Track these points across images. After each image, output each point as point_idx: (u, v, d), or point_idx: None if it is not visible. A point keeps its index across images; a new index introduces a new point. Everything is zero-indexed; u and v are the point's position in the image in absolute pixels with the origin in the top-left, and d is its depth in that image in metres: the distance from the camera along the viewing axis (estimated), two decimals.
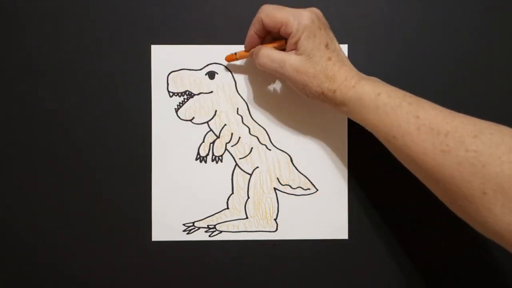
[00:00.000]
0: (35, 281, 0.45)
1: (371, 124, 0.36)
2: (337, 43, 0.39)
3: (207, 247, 0.45)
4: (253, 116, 0.45)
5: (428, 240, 0.45)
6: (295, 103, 0.45)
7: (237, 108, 0.45)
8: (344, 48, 0.45)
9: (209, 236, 0.45)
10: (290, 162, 0.45)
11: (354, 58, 0.45)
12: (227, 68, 0.45)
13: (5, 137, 0.45)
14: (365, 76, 0.38)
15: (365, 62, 0.45)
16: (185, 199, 0.45)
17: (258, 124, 0.45)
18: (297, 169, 0.45)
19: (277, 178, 0.45)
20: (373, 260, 0.45)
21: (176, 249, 0.45)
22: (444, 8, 0.45)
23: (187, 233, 0.45)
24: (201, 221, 0.45)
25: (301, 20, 0.37)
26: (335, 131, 0.45)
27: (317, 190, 0.45)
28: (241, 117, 0.45)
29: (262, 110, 0.45)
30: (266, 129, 0.45)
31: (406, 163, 0.35)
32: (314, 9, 0.38)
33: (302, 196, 0.45)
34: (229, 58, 0.44)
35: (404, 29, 0.45)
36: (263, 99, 0.45)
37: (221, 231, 0.45)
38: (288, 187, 0.45)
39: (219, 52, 0.45)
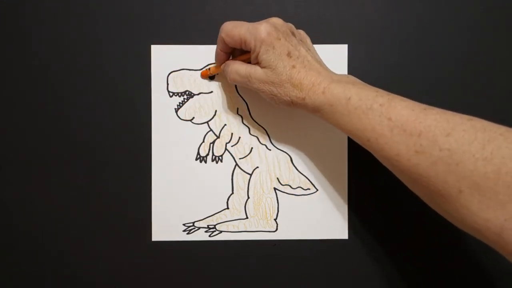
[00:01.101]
0: (35, 281, 0.45)
1: (345, 128, 0.36)
2: (302, 48, 0.38)
3: (207, 247, 0.45)
4: (253, 116, 0.45)
5: (428, 240, 0.45)
6: None
7: (237, 108, 0.45)
8: (344, 48, 0.45)
9: (209, 236, 0.45)
10: (290, 162, 0.45)
11: (354, 58, 0.45)
12: None
13: (5, 137, 0.45)
14: (335, 77, 0.37)
15: (365, 62, 0.45)
16: (185, 199, 0.45)
17: (258, 124, 0.45)
18: (297, 169, 0.45)
19: (277, 178, 0.45)
20: (373, 260, 0.45)
21: (176, 249, 0.45)
22: (443, 8, 0.45)
23: (187, 233, 0.45)
24: (201, 221, 0.45)
25: (257, 35, 0.37)
26: (335, 131, 0.45)
27: (317, 190, 0.45)
28: (241, 117, 0.45)
29: (262, 110, 0.45)
30: (266, 129, 0.45)
31: (384, 164, 0.35)
32: (272, 20, 0.39)
33: (302, 196, 0.45)
34: (204, 74, 0.45)
35: (403, 29, 0.45)
36: (263, 99, 0.45)
37: (221, 231, 0.45)
38: (288, 187, 0.45)
39: None
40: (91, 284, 0.45)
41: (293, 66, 0.37)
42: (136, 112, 0.45)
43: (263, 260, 0.45)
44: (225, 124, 0.45)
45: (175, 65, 0.45)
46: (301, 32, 0.42)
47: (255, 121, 0.45)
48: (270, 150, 0.45)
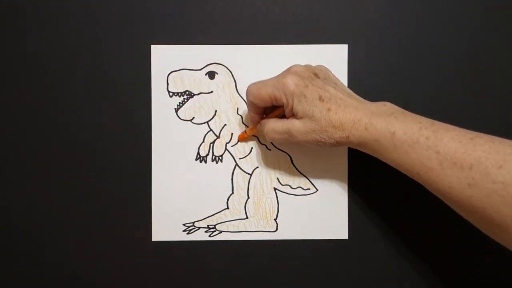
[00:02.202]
0: (35, 281, 0.45)
1: (393, 162, 0.35)
2: (331, 87, 0.38)
3: (207, 247, 0.45)
4: None
5: (428, 240, 0.45)
6: None
7: (237, 108, 0.45)
8: (344, 48, 0.45)
9: (209, 236, 0.45)
10: (290, 162, 0.45)
11: (354, 58, 0.45)
12: (227, 68, 0.45)
13: (5, 137, 0.45)
14: (373, 108, 0.37)
15: (365, 62, 0.45)
16: (185, 199, 0.45)
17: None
18: (297, 169, 0.45)
19: (277, 178, 0.45)
20: (373, 260, 0.45)
21: (176, 249, 0.45)
22: (444, 8, 0.45)
23: (187, 233, 0.45)
24: (201, 221, 0.45)
25: (286, 90, 0.37)
26: None
27: (317, 190, 0.45)
28: (241, 117, 0.45)
29: None
30: None
31: (437, 195, 0.34)
32: (293, 68, 0.38)
33: (302, 196, 0.45)
34: (241, 137, 0.45)
35: (403, 29, 0.45)
36: None
37: (221, 231, 0.45)
38: (288, 187, 0.45)
39: (219, 52, 0.45)
40: (91, 284, 0.45)
41: (329, 109, 0.36)
42: (136, 112, 0.45)
43: (263, 260, 0.45)
44: (225, 124, 0.45)
45: (175, 65, 0.45)
46: (322, 68, 0.41)
47: None
48: (270, 150, 0.45)
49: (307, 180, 0.45)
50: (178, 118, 0.45)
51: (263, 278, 0.45)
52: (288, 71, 0.38)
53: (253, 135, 0.45)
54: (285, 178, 0.45)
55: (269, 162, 0.45)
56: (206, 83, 0.45)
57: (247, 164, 0.45)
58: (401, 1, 0.45)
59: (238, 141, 0.45)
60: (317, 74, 0.39)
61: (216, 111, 0.45)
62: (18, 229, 0.45)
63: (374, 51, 0.45)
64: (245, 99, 0.45)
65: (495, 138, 0.32)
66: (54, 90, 0.45)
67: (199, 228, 0.45)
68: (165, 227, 0.45)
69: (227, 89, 0.45)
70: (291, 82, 0.37)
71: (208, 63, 0.45)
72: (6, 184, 0.45)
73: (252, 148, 0.45)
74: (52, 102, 0.45)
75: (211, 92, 0.45)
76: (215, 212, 0.45)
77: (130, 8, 0.45)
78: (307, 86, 0.37)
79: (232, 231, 0.45)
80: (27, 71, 0.45)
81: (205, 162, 0.45)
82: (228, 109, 0.45)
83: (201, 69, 0.45)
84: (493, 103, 0.45)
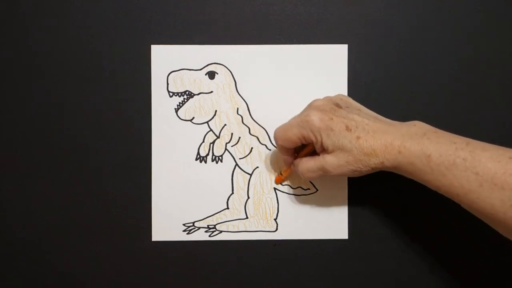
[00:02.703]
0: (35, 281, 0.45)
1: (430, 184, 0.35)
2: (355, 115, 0.37)
3: (207, 247, 0.45)
4: (253, 116, 0.45)
5: (428, 240, 0.45)
6: (295, 103, 0.45)
7: (237, 108, 0.45)
8: (344, 48, 0.45)
9: (209, 236, 0.45)
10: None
11: (354, 58, 0.45)
12: (227, 68, 0.45)
13: (5, 137, 0.45)
14: (403, 129, 0.36)
15: (365, 62, 0.45)
16: (185, 199, 0.45)
17: (258, 124, 0.45)
18: None
19: None
20: (373, 260, 0.45)
21: (176, 249, 0.45)
22: (444, 8, 0.45)
23: (187, 233, 0.45)
24: (201, 221, 0.45)
25: (312, 127, 0.37)
26: None
27: (317, 190, 0.45)
28: (241, 117, 0.45)
29: (262, 110, 0.45)
30: (266, 129, 0.45)
31: (479, 216, 0.34)
32: (314, 104, 0.38)
33: (302, 196, 0.45)
34: (278, 180, 0.45)
35: (403, 29, 0.45)
36: (263, 99, 0.45)
37: (221, 231, 0.45)
38: (288, 187, 0.45)
39: (219, 52, 0.45)
40: (91, 284, 0.45)
41: (358, 137, 0.36)
42: (136, 112, 0.45)
43: (263, 260, 0.45)
44: (225, 124, 0.45)
45: (175, 65, 0.45)
46: (342, 96, 0.40)
47: (255, 121, 0.45)
48: (270, 150, 0.45)
49: (307, 180, 0.45)
50: (178, 118, 0.45)
51: (263, 278, 0.45)
52: (310, 107, 0.38)
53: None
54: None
55: (269, 162, 0.45)
56: (206, 83, 0.45)
57: (247, 164, 0.45)
58: (401, 1, 0.45)
59: (276, 182, 0.45)
60: (338, 104, 0.38)
61: (216, 111, 0.45)
62: (18, 229, 0.45)
63: (374, 51, 0.45)
64: (245, 99, 0.45)
65: None
66: (54, 90, 0.45)
67: (199, 228, 0.45)
68: (165, 227, 0.45)
69: (227, 89, 0.45)
70: (315, 118, 0.37)
71: (208, 63, 0.45)
72: (6, 184, 0.45)
73: (252, 148, 0.45)
74: (52, 102, 0.45)
75: (211, 92, 0.45)
76: (215, 212, 0.45)
77: (130, 8, 0.45)
78: (332, 118, 0.37)
79: (232, 231, 0.45)
80: (27, 71, 0.45)
81: (205, 162, 0.45)
82: (228, 109, 0.45)
83: (201, 69, 0.45)
84: (494, 103, 0.45)
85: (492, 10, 0.45)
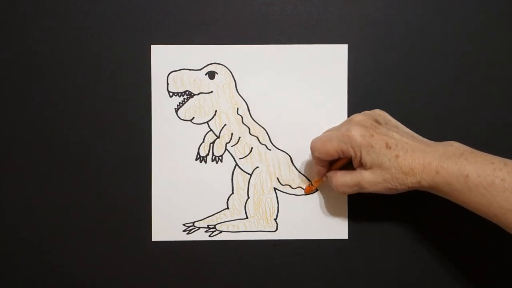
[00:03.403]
0: (35, 281, 0.45)
1: (468, 205, 0.35)
2: (394, 132, 0.37)
3: (207, 247, 0.45)
4: (253, 116, 0.45)
5: (428, 240, 0.45)
6: (295, 103, 0.45)
7: (237, 108, 0.45)
8: (344, 48, 0.45)
9: (209, 236, 0.45)
10: (290, 162, 0.45)
11: (354, 58, 0.45)
12: (227, 68, 0.45)
13: (5, 137, 0.45)
14: (441, 149, 0.36)
15: (365, 62, 0.45)
16: (185, 199, 0.45)
17: (258, 124, 0.45)
18: (297, 169, 0.45)
19: (277, 178, 0.45)
20: (373, 260, 0.45)
21: (176, 249, 0.45)
22: (444, 8, 0.45)
23: (187, 233, 0.45)
24: (201, 221, 0.45)
25: (353, 142, 0.37)
26: None
27: (317, 190, 0.45)
28: (241, 117, 0.45)
29: (262, 110, 0.45)
30: (266, 129, 0.45)
31: None
32: (355, 119, 0.38)
33: (302, 196, 0.45)
34: (308, 190, 0.45)
35: (403, 29, 0.45)
36: (263, 99, 0.45)
37: (221, 231, 0.45)
38: (288, 187, 0.45)
39: (219, 52, 0.45)
40: (91, 284, 0.45)
41: (397, 156, 0.36)
42: (136, 112, 0.45)
43: (263, 260, 0.45)
44: (225, 124, 0.45)
45: (175, 65, 0.45)
46: (380, 112, 0.41)
47: (255, 121, 0.45)
48: (270, 150, 0.45)
49: (307, 180, 0.45)
50: (178, 118, 0.45)
51: (263, 278, 0.45)
52: (350, 121, 0.38)
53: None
54: (285, 178, 0.45)
55: (269, 162, 0.45)
56: (206, 83, 0.45)
57: (247, 164, 0.45)
58: (401, 1, 0.45)
59: (305, 192, 0.45)
60: (377, 120, 0.39)
61: (216, 111, 0.45)
62: (18, 229, 0.45)
63: (374, 51, 0.45)
64: (245, 99, 0.45)
65: None
66: (54, 90, 0.45)
67: (199, 228, 0.45)
68: (165, 227, 0.45)
69: (227, 89, 0.45)
70: (356, 134, 0.37)
71: (208, 63, 0.45)
72: (6, 184, 0.45)
73: (252, 148, 0.45)
74: (52, 102, 0.45)
75: (211, 92, 0.45)
76: (215, 212, 0.45)
77: (130, 8, 0.45)
78: (373, 135, 0.37)
79: (232, 231, 0.45)
80: (27, 71, 0.45)
81: (205, 162, 0.45)
82: (228, 109, 0.45)
83: (201, 69, 0.45)
84: (493, 102, 0.45)
85: (492, 10, 0.45)
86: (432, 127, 0.45)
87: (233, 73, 0.45)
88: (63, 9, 0.45)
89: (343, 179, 0.39)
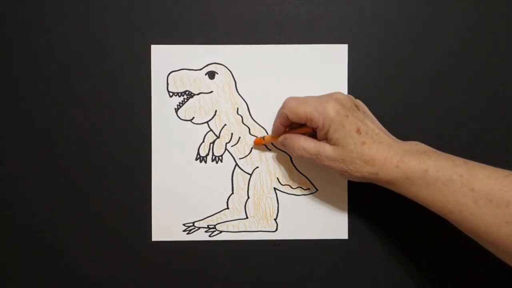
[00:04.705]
0: (35, 281, 0.45)
1: (424, 201, 0.35)
2: (369, 121, 0.38)
3: (207, 247, 0.45)
4: (253, 116, 0.45)
5: (428, 240, 0.45)
6: None
7: (237, 108, 0.45)
8: (344, 48, 0.45)
9: (209, 236, 0.45)
10: (290, 162, 0.45)
11: (354, 58, 0.45)
12: (227, 68, 0.45)
13: (5, 137, 0.45)
14: (405, 146, 0.36)
15: (365, 62, 0.45)
16: (185, 199, 0.45)
17: (258, 124, 0.45)
18: (297, 169, 0.45)
19: (277, 178, 0.45)
20: (373, 260, 0.45)
21: (176, 249, 0.45)
22: (443, 8, 0.45)
23: (187, 233, 0.45)
24: (201, 221, 0.45)
25: (326, 115, 0.37)
26: None
27: (317, 190, 0.45)
28: (241, 117, 0.45)
29: (262, 110, 0.45)
30: (266, 129, 0.45)
31: (471, 236, 0.34)
32: (336, 95, 0.38)
33: (302, 196, 0.45)
34: (258, 141, 0.44)
35: (403, 29, 0.45)
36: (263, 99, 0.45)
37: (221, 231, 0.45)
38: (288, 187, 0.45)
39: (219, 52, 0.45)
40: (91, 284, 0.45)
41: (363, 143, 0.36)
42: (136, 112, 0.45)
43: (263, 260, 0.45)
44: (225, 124, 0.45)
45: (175, 65, 0.45)
46: (360, 102, 0.41)
47: (255, 121, 0.45)
48: (270, 150, 0.45)
49: (307, 180, 0.45)
50: (178, 118, 0.45)
51: (263, 278, 0.45)
52: (331, 96, 0.38)
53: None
54: (285, 178, 0.45)
55: (269, 162, 0.45)
56: (206, 83, 0.45)
57: (247, 164, 0.45)
58: (401, 1, 0.45)
59: (254, 144, 0.45)
60: (357, 106, 0.39)
61: (216, 111, 0.45)
62: (18, 228, 0.45)
63: (374, 51, 0.45)
64: (245, 99, 0.45)
65: None
66: (54, 90, 0.45)
67: (199, 228, 0.45)
68: (165, 227, 0.45)
69: (227, 89, 0.45)
70: (332, 109, 0.37)
71: (208, 63, 0.45)
72: (5, 183, 0.45)
73: (252, 148, 0.45)
74: (52, 102, 0.45)
75: (211, 92, 0.45)
76: (215, 212, 0.45)
77: (130, 8, 0.45)
78: (348, 116, 0.37)
79: (232, 231, 0.45)
80: (27, 71, 0.45)
81: (205, 162, 0.45)
82: (228, 109, 0.45)
83: (201, 69, 0.45)
84: (494, 103, 0.45)
85: (492, 9, 0.45)
86: (432, 127, 0.45)
87: (233, 73, 0.45)
88: (63, 9, 0.45)
89: (306, 143, 0.39)
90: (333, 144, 0.37)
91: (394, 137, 0.39)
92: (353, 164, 0.37)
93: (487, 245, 0.33)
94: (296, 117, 0.39)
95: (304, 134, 0.41)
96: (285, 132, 0.42)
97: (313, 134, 0.40)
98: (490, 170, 0.33)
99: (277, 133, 0.43)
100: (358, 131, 0.37)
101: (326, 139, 0.38)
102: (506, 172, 0.32)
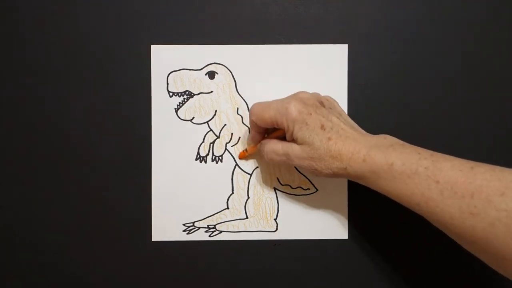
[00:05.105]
0: (35, 281, 0.45)
1: (392, 194, 0.35)
2: (334, 116, 0.38)
3: (207, 247, 0.45)
4: None
5: (428, 240, 0.45)
6: None
7: (237, 108, 0.45)
8: (344, 48, 0.45)
9: (209, 236, 0.45)
10: None
11: (354, 58, 0.45)
12: (227, 68, 0.45)
13: (5, 138, 0.45)
14: (373, 141, 0.36)
15: (365, 62, 0.45)
16: (185, 199, 0.45)
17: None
18: (297, 169, 0.45)
19: (277, 178, 0.45)
20: (373, 260, 0.45)
21: (176, 249, 0.45)
22: (444, 8, 0.45)
23: (187, 233, 0.45)
24: (201, 221, 0.45)
25: (288, 116, 0.37)
26: None
27: (317, 190, 0.45)
28: (241, 117, 0.45)
29: None
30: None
31: (439, 227, 0.34)
32: (299, 95, 0.38)
33: (302, 196, 0.45)
34: (241, 155, 0.45)
35: (404, 29, 0.45)
36: (263, 99, 0.45)
37: (221, 231, 0.45)
38: (288, 187, 0.45)
39: (219, 52, 0.45)
40: (91, 284, 0.45)
41: (329, 138, 0.36)
42: (136, 112, 0.45)
43: (263, 260, 0.45)
44: (225, 124, 0.45)
45: (175, 65, 0.45)
46: (329, 98, 0.41)
47: None
48: None
49: (307, 180, 0.45)
50: (178, 118, 0.45)
51: (263, 278, 0.45)
52: (294, 96, 0.39)
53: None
54: (285, 178, 0.45)
55: (269, 162, 0.45)
56: (206, 83, 0.45)
57: (247, 164, 0.45)
58: (401, 0, 0.45)
59: (239, 157, 0.45)
60: (322, 102, 0.39)
61: (216, 111, 0.45)
62: (18, 228, 0.45)
63: (374, 51, 0.45)
64: (245, 99, 0.45)
65: (495, 167, 0.31)
66: (53, 90, 0.45)
67: (199, 228, 0.45)
68: (165, 227, 0.45)
69: (227, 89, 0.45)
70: (294, 109, 0.37)
71: (208, 63, 0.45)
72: (6, 184, 0.45)
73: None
74: (52, 102, 0.45)
75: (211, 92, 0.45)
76: (215, 212, 0.45)
77: (130, 8, 0.45)
78: (311, 114, 0.37)
79: (232, 231, 0.45)
80: (27, 71, 0.45)
81: (205, 162, 0.45)
82: (228, 109, 0.45)
83: (201, 69, 0.45)
84: (494, 103, 0.45)
85: (493, 9, 0.45)
86: (432, 127, 0.45)
87: (233, 73, 0.45)
88: (63, 9, 0.45)
89: (274, 146, 0.39)
90: (300, 144, 0.37)
91: (362, 131, 0.39)
92: (322, 161, 0.37)
93: (454, 237, 0.33)
94: (262, 122, 0.39)
95: (279, 137, 0.41)
96: (263, 138, 0.43)
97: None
98: (455, 162, 0.33)
99: (255, 141, 0.43)
100: (323, 127, 0.37)
101: (293, 140, 0.38)
102: (472, 163, 0.32)
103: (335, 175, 0.37)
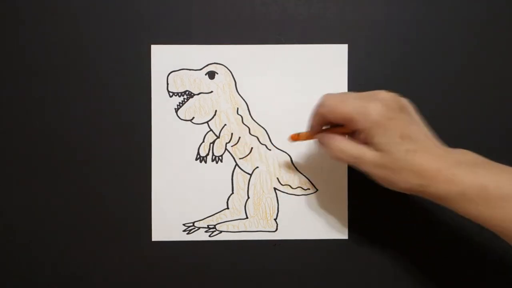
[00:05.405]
0: (35, 281, 0.45)
1: (482, 219, 0.31)
2: (414, 125, 0.34)
3: (207, 247, 0.45)
4: (253, 116, 0.45)
5: (428, 240, 0.45)
6: (295, 103, 0.45)
7: (237, 108, 0.45)
8: (344, 48, 0.45)
9: (209, 236, 0.45)
10: (290, 162, 0.45)
11: (354, 58, 0.45)
12: (227, 68, 0.45)
13: (5, 138, 0.45)
14: (455, 156, 0.33)
15: (365, 62, 0.45)
16: (185, 199, 0.45)
17: (258, 124, 0.45)
18: (297, 169, 0.45)
19: (277, 178, 0.45)
20: (373, 260, 0.45)
21: (176, 249, 0.45)
22: (444, 8, 0.45)
23: (187, 233, 0.45)
24: (201, 221, 0.45)
25: (368, 117, 0.33)
26: None
27: (317, 190, 0.45)
28: (241, 117, 0.45)
29: (262, 110, 0.45)
30: (266, 129, 0.45)
31: None
32: (381, 95, 0.34)
33: (302, 196, 0.45)
34: (294, 137, 0.41)
35: (404, 29, 0.45)
36: (263, 99, 0.45)
37: (221, 231, 0.45)
38: (288, 187, 0.45)
39: (219, 52, 0.45)
40: (91, 284, 0.45)
41: (408, 150, 0.32)
42: (136, 112, 0.45)
43: (263, 260, 0.45)
44: (225, 124, 0.45)
45: (175, 65, 0.45)
46: (407, 102, 0.35)
47: (255, 121, 0.45)
48: (270, 150, 0.45)
49: (307, 180, 0.45)
50: (178, 118, 0.45)
51: (263, 278, 0.45)
52: (373, 96, 0.34)
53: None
54: (285, 178, 0.45)
55: (269, 162, 0.45)
56: (206, 83, 0.45)
57: (247, 164, 0.45)
58: (401, 1, 0.45)
59: (290, 139, 0.42)
60: (403, 106, 0.34)
61: (216, 111, 0.45)
62: (18, 229, 0.45)
63: (374, 51, 0.45)
64: (245, 99, 0.45)
65: None
66: (53, 90, 0.45)
67: (199, 228, 0.45)
68: (165, 227, 0.45)
69: (227, 89, 0.45)
70: (375, 111, 0.33)
71: (208, 63, 0.45)
72: (6, 184, 0.45)
73: (252, 148, 0.45)
74: (52, 102, 0.45)
75: (211, 92, 0.45)
76: (215, 212, 0.45)
77: (130, 8, 0.45)
78: (391, 119, 0.33)
79: (232, 231, 0.45)
80: (27, 71, 0.45)
81: (205, 162, 0.45)
82: (228, 109, 0.45)
83: (201, 69, 0.45)
84: (494, 102, 0.45)
85: (493, 9, 0.45)
86: (432, 127, 0.45)
87: (233, 73, 0.45)
88: (63, 8, 0.45)
89: (344, 146, 0.35)
90: (376, 150, 0.33)
91: (440, 144, 0.34)
92: (400, 174, 0.33)
93: None
94: (334, 117, 0.35)
95: (342, 134, 0.37)
96: (321, 130, 0.38)
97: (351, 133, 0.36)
98: None
99: (313, 131, 0.39)
100: (402, 136, 0.32)
101: (366, 143, 0.34)
102: None
103: (412, 191, 0.33)
